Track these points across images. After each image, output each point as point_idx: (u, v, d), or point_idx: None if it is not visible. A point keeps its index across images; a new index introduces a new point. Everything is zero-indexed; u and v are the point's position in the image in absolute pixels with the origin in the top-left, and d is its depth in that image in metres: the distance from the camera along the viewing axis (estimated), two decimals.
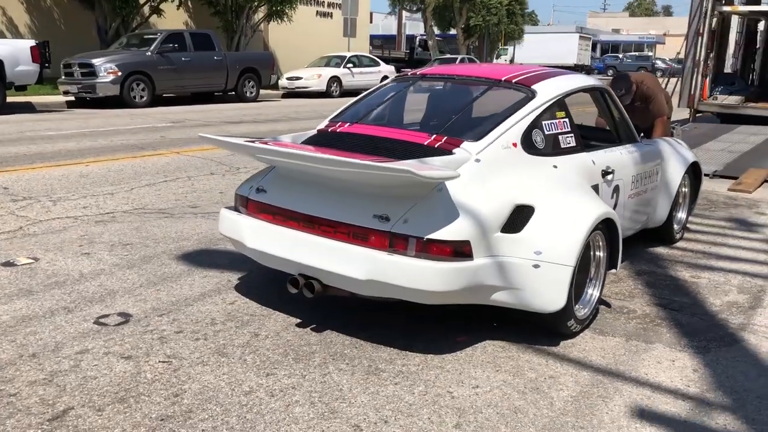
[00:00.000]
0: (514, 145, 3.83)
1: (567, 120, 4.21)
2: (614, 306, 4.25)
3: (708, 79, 14.65)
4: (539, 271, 3.42)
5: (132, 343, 3.45)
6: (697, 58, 14.28)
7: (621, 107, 4.97)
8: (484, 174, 3.58)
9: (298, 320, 3.82)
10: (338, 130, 4.12)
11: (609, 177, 4.39)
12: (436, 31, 38.84)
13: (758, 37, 18.51)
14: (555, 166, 3.95)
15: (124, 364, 3.23)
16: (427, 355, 3.47)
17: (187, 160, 8.79)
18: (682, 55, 14.71)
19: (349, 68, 23.85)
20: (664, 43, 70.23)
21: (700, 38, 14.20)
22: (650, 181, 5.09)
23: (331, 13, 32.27)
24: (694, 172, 5.87)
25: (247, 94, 19.89)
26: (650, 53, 59.87)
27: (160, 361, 3.28)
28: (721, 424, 2.93)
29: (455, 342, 3.65)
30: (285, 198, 3.68)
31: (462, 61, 30.27)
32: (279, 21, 25.75)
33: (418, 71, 4.68)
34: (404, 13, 46.72)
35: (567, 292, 3.46)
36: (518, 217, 3.48)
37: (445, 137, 3.78)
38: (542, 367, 3.39)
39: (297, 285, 3.56)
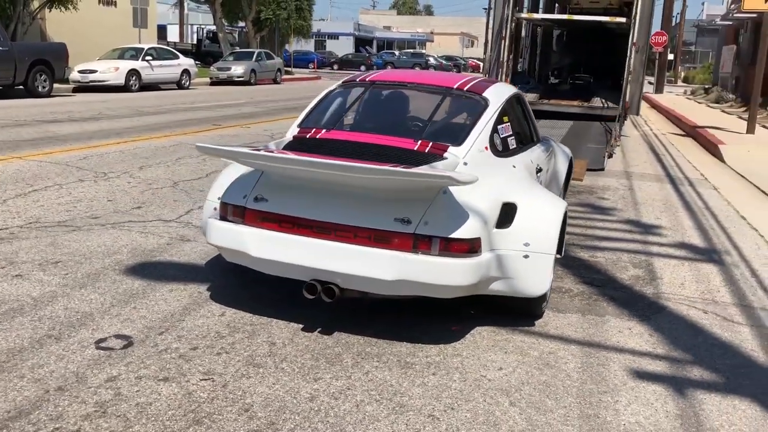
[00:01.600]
0: (486, 148, 4.24)
1: (509, 124, 4.71)
2: (552, 287, 4.85)
3: (509, 78, 16.27)
4: (528, 260, 3.86)
5: (157, 365, 3.32)
6: (500, 59, 15.78)
7: (530, 109, 5.60)
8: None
9: (300, 325, 3.90)
10: (319, 137, 4.22)
11: (539, 174, 4.98)
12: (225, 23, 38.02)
13: (538, 40, 20.81)
14: (514, 166, 4.43)
15: (168, 387, 3.12)
16: (438, 345, 3.76)
17: (39, 166, 8.02)
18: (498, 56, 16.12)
19: (147, 61, 22.66)
20: (432, 41, 75.28)
21: (503, 41, 15.71)
22: (552, 173, 5.80)
23: (115, 1, 30.26)
24: (569, 164, 6.75)
25: (39, 89, 18.12)
26: (423, 50, 63.85)
27: (201, 380, 3.21)
28: (698, 375, 3.60)
29: (451, 331, 3.98)
30: (292, 206, 3.73)
31: (259, 56, 30.07)
32: (62, 9, 23.65)
33: (366, 78, 4.88)
34: (186, 3, 45.06)
35: (550, 277, 3.95)
36: (506, 214, 3.89)
37: (430, 143, 4.08)
38: (539, 345, 3.85)
39: (314, 291, 3.65)
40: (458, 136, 4.20)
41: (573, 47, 21.56)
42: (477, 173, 3.96)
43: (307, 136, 4.26)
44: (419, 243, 3.54)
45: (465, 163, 3.99)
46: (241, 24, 40.67)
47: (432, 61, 58.99)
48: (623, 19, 15.00)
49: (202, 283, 4.47)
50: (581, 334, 4.06)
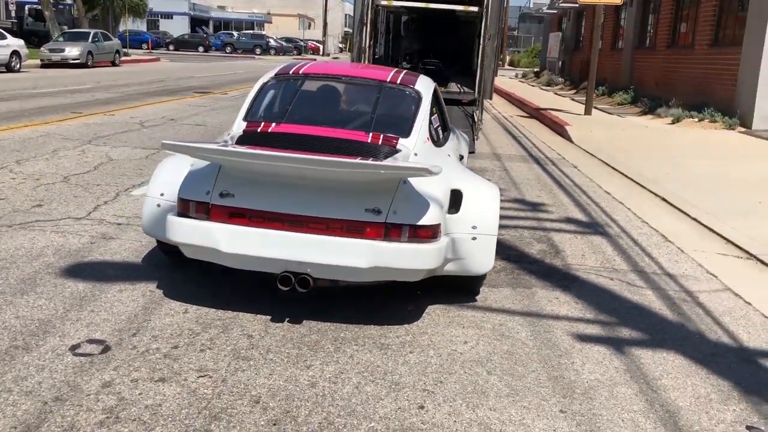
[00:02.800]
0: (428, 139, 4.52)
1: (436, 115, 5.03)
2: None
3: (369, 61, 16.64)
4: (476, 242, 4.21)
5: (147, 366, 3.29)
6: (363, 45, 16.12)
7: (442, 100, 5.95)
8: (412, 162, 4.22)
9: (267, 316, 3.99)
10: (271, 131, 4.27)
11: (462, 161, 5.36)
12: None
13: (390, 26, 21.40)
14: (449, 155, 4.75)
15: (169, 387, 3.12)
16: (403, 326, 4.02)
17: None
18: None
19: None
20: (271, 22, 74.26)
21: (365, 27, 16.04)
22: (461, 159, 6.22)
23: None
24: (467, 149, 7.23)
25: None
26: (263, 31, 62.91)
27: (199, 377, 3.24)
28: (627, 335, 4.15)
29: (408, 311, 4.25)
30: (260, 200, 3.79)
31: (95, 37, 28.22)
32: None
33: (299, 70, 4.95)
34: None
35: (494, 256, 4.33)
36: (455, 200, 4.21)
37: (381, 135, 4.29)
38: (489, 318, 4.22)
39: (288, 282, 3.76)
40: (403, 128, 4.45)
41: (423, 33, 22.40)
42: (425, 162, 4.26)
43: (258, 130, 4.30)
44: (390, 231, 3.76)
45: (415, 154, 4.26)
46: (68, 0, 37.83)
47: (273, 42, 58.35)
48: (476, 8, 15.88)
49: (148, 281, 4.38)
50: (519, 305, 4.49)
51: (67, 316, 3.79)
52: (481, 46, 14.28)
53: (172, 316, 3.90)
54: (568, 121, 15.15)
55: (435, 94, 5.17)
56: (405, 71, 5.20)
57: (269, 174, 3.83)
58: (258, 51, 55.92)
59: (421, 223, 3.79)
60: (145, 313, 3.90)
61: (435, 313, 4.25)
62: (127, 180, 7.15)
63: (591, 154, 11.52)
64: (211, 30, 67.50)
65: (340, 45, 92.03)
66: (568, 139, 13.51)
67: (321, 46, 70.35)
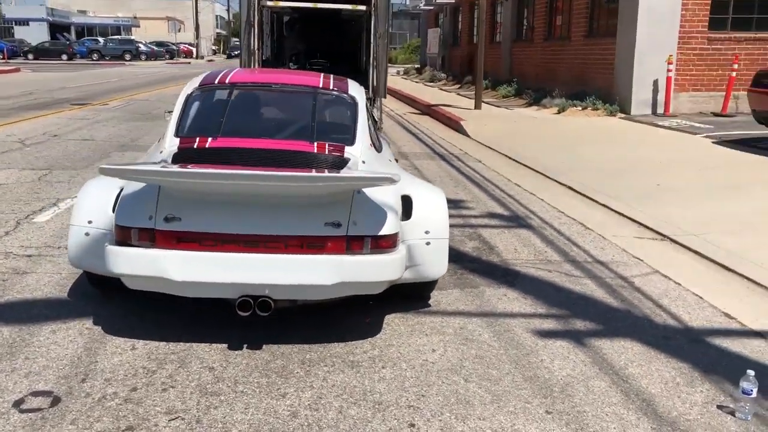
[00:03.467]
0: (371, 145, 4.41)
1: (370, 120, 4.93)
2: None
3: (260, 66, 16.29)
4: (430, 247, 4.15)
5: (110, 415, 2.99)
6: (252, 47, 15.73)
7: None
8: (364, 171, 4.11)
9: (222, 345, 3.75)
10: (208, 146, 4.01)
11: (397, 163, 5.29)
12: None
13: (275, 27, 21.03)
14: (390, 160, 4.66)
15: None
16: (366, 340, 3.90)
17: None
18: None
19: None
20: (138, 26, 71.19)
21: (252, 29, 15.66)
22: None
23: None
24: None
25: None
26: (132, 36, 60.21)
27: (170, 420, 2.98)
28: (582, 326, 4.23)
29: (366, 323, 4.13)
30: (210, 222, 3.54)
31: None
32: None
33: (225, 79, 4.68)
34: None
35: (447, 259, 4.28)
36: (406, 206, 4.13)
37: (326, 144, 4.13)
38: (448, 323, 4.18)
39: (248, 307, 3.54)
40: (346, 135, 4.32)
41: (307, 33, 22.17)
42: (372, 169, 4.16)
43: (195, 146, 4.03)
44: (352, 244, 3.63)
45: (363, 162, 4.14)
46: None
47: (143, 47, 56.01)
48: (363, 7, 15.88)
49: (82, 318, 4.01)
50: (471, 306, 4.48)
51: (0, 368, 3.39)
52: (372, 45, 14.30)
53: (119, 354, 3.59)
54: (462, 116, 15.46)
55: (366, 99, 5.07)
56: (332, 76, 5.06)
57: (218, 193, 3.59)
58: (128, 57, 53.47)
59: (382, 233, 3.69)
60: (88, 355, 3.56)
61: (394, 323, 4.16)
62: (24, 206, 6.56)
63: (491, 148, 11.80)
64: (73, 36, 63.83)
65: (213, 47, 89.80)
66: (464, 133, 13.79)
67: (194, 49, 68.30)
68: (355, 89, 4.79)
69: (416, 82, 30.89)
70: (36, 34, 58.99)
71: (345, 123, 4.47)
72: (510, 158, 10.71)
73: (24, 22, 61.94)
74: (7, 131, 11.77)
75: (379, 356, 3.70)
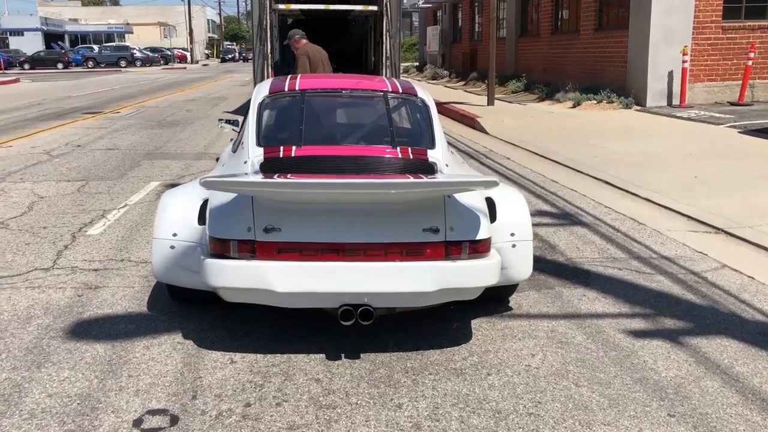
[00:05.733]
0: (448, 148, 4.36)
1: None
2: None
3: (273, 71, 16.23)
4: (516, 249, 4.11)
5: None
6: (266, 51, 15.67)
7: None
8: (455, 174, 4.06)
9: (320, 355, 3.70)
10: (294, 155, 3.95)
11: None
12: None
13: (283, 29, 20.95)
14: (463, 162, 4.61)
15: None
16: (461, 346, 3.86)
17: None
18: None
19: None
20: (132, 33, 70.91)
21: (265, 34, 15.60)
22: None
23: None
24: None
25: None
26: (126, 43, 59.94)
27: None
28: (672, 324, 4.18)
29: (453, 329, 4.08)
30: (310, 232, 3.48)
31: None
32: None
33: (294, 87, 4.61)
34: None
35: (532, 262, 4.24)
36: (490, 209, 4.08)
37: (408, 148, 4.08)
38: (537, 326, 4.13)
39: (350, 316, 3.49)
40: (424, 139, 4.26)
41: (314, 35, 22.10)
42: (456, 172, 4.11)
43: (281, 156, 3.97)
44: (451, 249, 3.58)
45: (447, 165, 4.09)
46: None
47: (138, 53, 55.79)
48: (375, 7, 15.80)
49: (171, 333, 3.95)
50: (554, 307, 4.44)
51: (105, 385, 3.33)
52: (386, 44, 14.24)
53: (221, 369, 3.53)
54: (476, 113, 15.41)
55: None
56: (396, 79, 5.00)
57: (317, 202, 3.53)
58: (123, 63, 53.24)
59: (478, 237, 3.64)
60: (190, 370, 3.50)
61: (483, 328, 4.11)
62: (73, 218, 6.49)
63: (514, 145, 11.75)
64: (67, 45, 63.47)
65: (206, 51, 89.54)
66: (482, 130, 13.74)
67: (188, 54, 68.08)
68: (422, 92, 4.74)
69: (418, 80, 30.83)
70: (30, 44, 58.66)
71: (421, 126, 4.41)
72: (537, 154, 10.67)
73: (18, 32, 61.58)
74: (30, 143, 11.66)
75: (480, 363, 3.65)
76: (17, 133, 12.97)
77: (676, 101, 14.98)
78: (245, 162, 4.01)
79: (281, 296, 3.48)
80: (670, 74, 14.99)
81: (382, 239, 3.52)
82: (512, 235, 4.08)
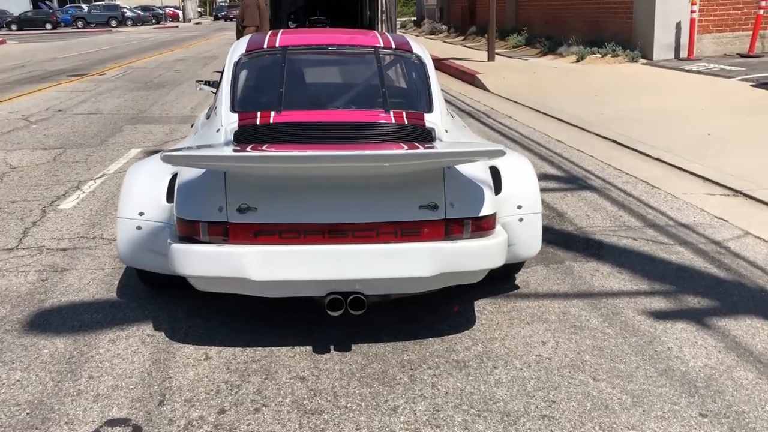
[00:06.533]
0: (446, 111, 3.90)
1: None
2: None
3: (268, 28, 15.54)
4: (523, 223, 3.68)
5: None
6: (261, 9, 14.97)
7: None
8: (455, 142, 3.62)
9: (306, 347, 3.30)
10: (273, 121, 3.49)
11: None
12: None
13: None
14: (464, 126, 4.16)
15: None
16: (463, 333, 3.46)
17: None
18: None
19: None
20: None
21: None
22: None
23: None
24: None
25: None
26: (117, 2, 58.47)
27: None
28: (695, 303, 3.79)
29: (456, 312, 3.69)
30: (290, 211, 3.06)
31: None
32: None
33: (274, 43, 4.11)
34: None
35: (540, 236, 3.81)
36: (495, 179, 3.64)
37: (403, 112, 3.62)
38: (546, 307, 3.74)
39: (339, 305, 3.08)
40: (421, 101, 3.80)
41: None
42: (457, 139, 3.67)
43: (258, 122, 3.51)
44: (452, 228, 3.16)
45: (446, 131, 3.64)
46: None
47: (128, 13, 54.55)
48: None
49: (139, 323, 3.56)
50: (564, 285, 4.04)
51: (61, 389, 2.94)
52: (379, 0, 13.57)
53: (194, 366, 3.14)
54: (476, 69, 14.83)
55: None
56: (389, 34, 4.51)
57: (298, 177, 3.09)
58: (113, 23, 51.98)
59: (482, 213, 3.21)
60: (158, 369, 3.11)
61: (487, 311, 3.71)
62: (45, 191, 6.04)
63: (516, 102, 11.23)
64: (56, 4, 61.93)
65: (199, 9, 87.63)
66: (483, 87, 13.19)
67: (180, 12, 66.63)
68: (418, 47, 4.25)
69: (416, 35, 29.99)
70: (17, 4, 57.17)
71: (417, 87, 3.94)
72: (541, 112, 10.16)
73: None
74: (8, 107, 11.14)
75: (485, 353, 3.26)
76: None
77: (683, 54, 14.38)
78: (218, 130, 3.55)
79: (259, 285, 3.06)
80: (678, 25, 14.35)
81: (373, 218, 3.09)
82: (519, 207, 3.65)
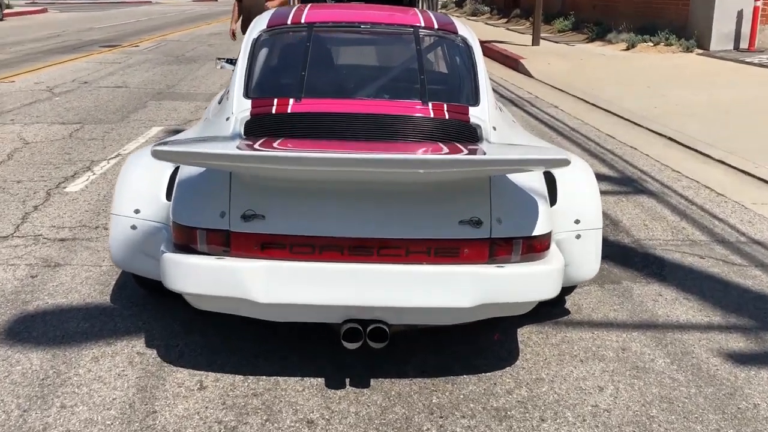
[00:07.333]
0: (495, 105, 3.35)
1: None
2: None
3: None
4: (581, 241, 3.13)
5: None
6: None
7: None
8: (506, 143, 3.07)
9: (317, 379, 2.80)
10: (291, 110, 2.97)
11: None
12: None
13: None
14: (514, 121, 3.61)
15: None
16: (504, 370, 2.93)
17: None
18: None
19: None
20: None
21: None
22: None
23: None
24: None
25: None
26: None
27: None
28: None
29: (496, 341, 3.16)
30: (304, 222, 2.55)
31: None
32: None
33: (301, 19, 3.59)
34: None
35: (600, 256, 3.25)
36: (550, 188, 3.09)
37: (444, 105, 3.07)
38: (603, 341, 3.18)
39: (357, 337, 2.58)
40: (465, 92, 3.24)
41: None
42: (507, 138, 3.12)
43: (273, 111, 2.99)
44: (497, 249, 2.62)
45: (494, 128, 3.08)
46: None
47: None
48: None
49: (131, 336, 3.10)
50: (622, 312, 3.47)
51: (26, 422, 2.49)
52: None
53: (185, 398, 2.66)
54: (520, 53, 14.12)
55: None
56: (431, 12, 3.95)
57: (316, 181, 2.58)
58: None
59: (536, 233, 2.67)
60: (144, 400, 2.64)
61: (532, 342, 3.18)
62: (55, 170, 5.63)
63: (562, 90, 10.55)
64: None
65: None
66: (526, 73, 12.51)
67: None
68: (464, 28, 3.68)
69: (458, 16, 29.15)
70: None
71: (461, 75, 3.38)
72: (588, 102, 9.49)
73: None
74: (35, 78, 10.80)
75: (530, 399, 2.73)
76: (25, 66, 12.11)
77: (744, 45, 13.47)
78: (227, 119, 3.04)
79: (264, 308, 2.57)
80: (740, 14, 13.43)
81: (402, 234, 2.57)
82: (577, 222, 3.10)
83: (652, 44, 14.26)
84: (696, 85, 10.43)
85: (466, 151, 2.62)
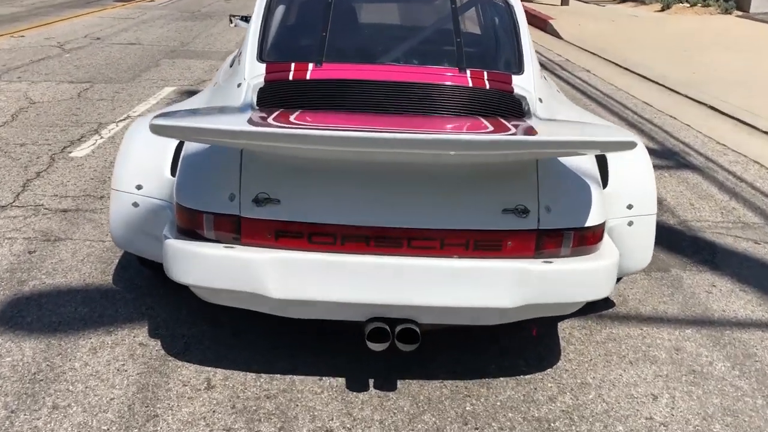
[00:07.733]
0: (540, 73, 2.98)
1: None
2: None
3: None
4: (634, 228, 2.79)
5: None
6: None
7: None
8: (553, 118, 2.71)
9: (336, 379, 2.52)
10: (311, 77, 2.63)
11: None
12: None
13: None
14: (558, 91, 3.24)
15: None
16: (545, 372, 2.63)
17: None
18: None
19: None
20: None
21: None
22: None
23: None
24: None
25: None
26: None
27: None
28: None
29: (534, 338, 2.85)
30: (324, 207, 2.24)
31: None
32: None
33: None
34: None
35: (653, 244, 2.91)
36: (602, 171, 2.74)
37: (484, 72, 2.72)
38: (654, 339, 2.87)
39: (384, 337, 2.28)
40: (508, 58, 2.88)
41: None
42: (554, 112, 2.77)
43: (290, 77, 2.66)
44: (545, 242, 2.30)
45: (540, 100, 2.73)
46: None
47: None
48: None
49: (132, 324, 2.82)
50: (673, 306, 3.15)
51: (12, 426, 2.23)
52: None
53: (190, 399, 2.39)
54: (549, 14, 13.55)
55: None
56: None
57: (338, 161, 2.25)
58: None
59: (589, 223, 2.34)
60: (144, 401, 2.37)
61: (575, 339, 2.87)
62: (61, 133, 5.34)
63: (594, 54, 10.05)
64: None
65: None
66: (556, 35, 11.98)
67: None
68: None
69: None
70: None
71: (502, 39, 3.01)
72: (622, 67, 9.02)
73: None
74: (46, 33, 10.45)
75: (575, 408, 2.43)
76: (36, 21, 11.75)
77: None
78: (239, 85, 2.71)
79: (278, 304, 2.27)
80: None
81: (437, 223, 2.25)
82: (629, 207, 2.76)
83: (688, 5, 13.65)
84: (736, 50, 9.91)
85: (513, 130, 2.28)
